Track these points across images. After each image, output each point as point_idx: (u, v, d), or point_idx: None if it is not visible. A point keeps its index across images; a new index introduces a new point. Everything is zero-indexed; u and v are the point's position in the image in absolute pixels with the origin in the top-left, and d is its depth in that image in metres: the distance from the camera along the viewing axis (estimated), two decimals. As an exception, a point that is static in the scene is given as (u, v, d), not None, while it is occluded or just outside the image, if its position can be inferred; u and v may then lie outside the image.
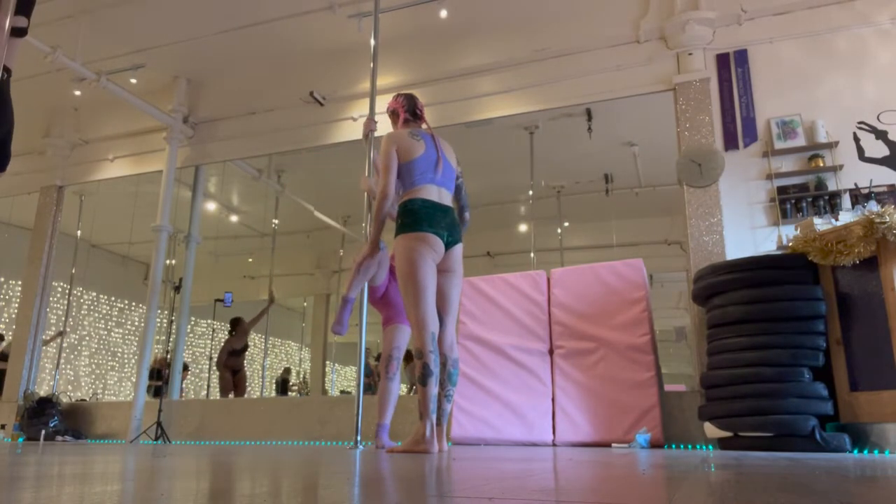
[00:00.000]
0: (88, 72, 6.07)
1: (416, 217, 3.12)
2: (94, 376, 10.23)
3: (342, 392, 11.54)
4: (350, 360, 12.07)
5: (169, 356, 6.66)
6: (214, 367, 8.26)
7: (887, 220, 3.20)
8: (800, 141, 4.76)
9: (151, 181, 7.18)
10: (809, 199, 4.63)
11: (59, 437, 6.15)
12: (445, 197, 3.29)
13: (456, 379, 3.24)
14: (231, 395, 7.93)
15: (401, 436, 4.76)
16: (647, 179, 7.81)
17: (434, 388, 3.02)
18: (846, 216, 3.98)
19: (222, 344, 8.25)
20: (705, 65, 5.17)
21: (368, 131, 4.11)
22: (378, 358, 8.01)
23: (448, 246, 3.20)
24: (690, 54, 5.20)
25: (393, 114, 3.57)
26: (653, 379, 4.29)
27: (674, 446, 4.30)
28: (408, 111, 3.51)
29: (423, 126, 3.52)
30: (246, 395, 8.23)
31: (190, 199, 7.32)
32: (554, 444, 4.34)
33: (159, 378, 7.35)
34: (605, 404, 4.34)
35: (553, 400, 4.50)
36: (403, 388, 5.53)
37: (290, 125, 6.60)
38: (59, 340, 8.07)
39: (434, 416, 3.01)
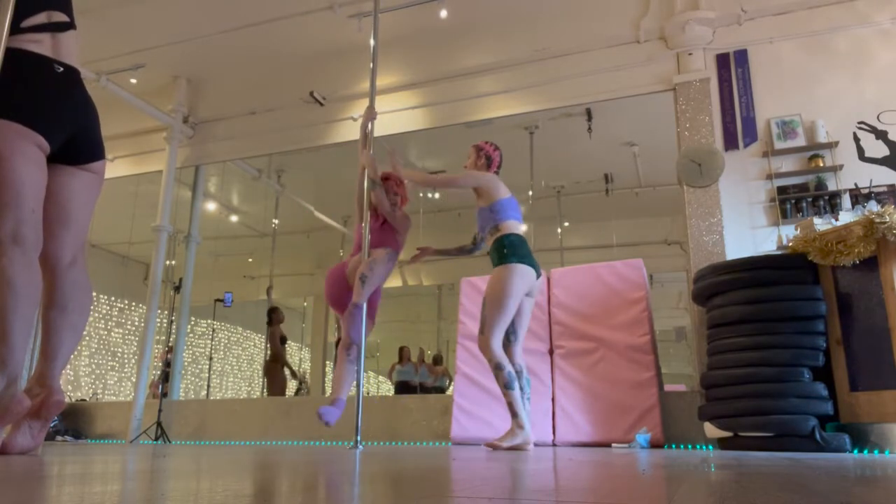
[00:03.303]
0: (88, 72, 6.07)
1: (521, 252, 3.55)
2: (94, 376, 10.23)
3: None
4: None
5: (169, 355, 6.66)
6: (261, 368, 8.30)
7: (887, 220, 3.20)
8: (800, 141, 4.76)
9: (151, 181, 7.18)
10: (809, 199, 4.63)
11: (58, 437, 6.15)
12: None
13: (529, 387, 3.67)
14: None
15: (399, 436, 4.76)
16: (647, 179, 7.81)
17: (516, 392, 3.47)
18: (846, 216, 3.98)
19: (267, 341, 8.32)
20: (705, 65, 5.17)
21: (369, 119, 4.13)
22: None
23: (538, 275, 3.66)
24: (690, 54, 5.21)
25: (488, 159, 3.84)
26: (653, 379, 4.29)
27: (674, 446, 4.30)
28: (499, 165, 3.87)
29: None
30: (246, 396, 8.23)
31: (190, 199, 7.32)
32: (554, 444, 4.34)
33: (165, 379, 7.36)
34: (605, 404, 4.34)
35: (553, 400, 4.50)
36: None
37: (290, 125, 6.60)
38: None
39: (524, 414, 3.43)
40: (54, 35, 2.16)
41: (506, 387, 3.42)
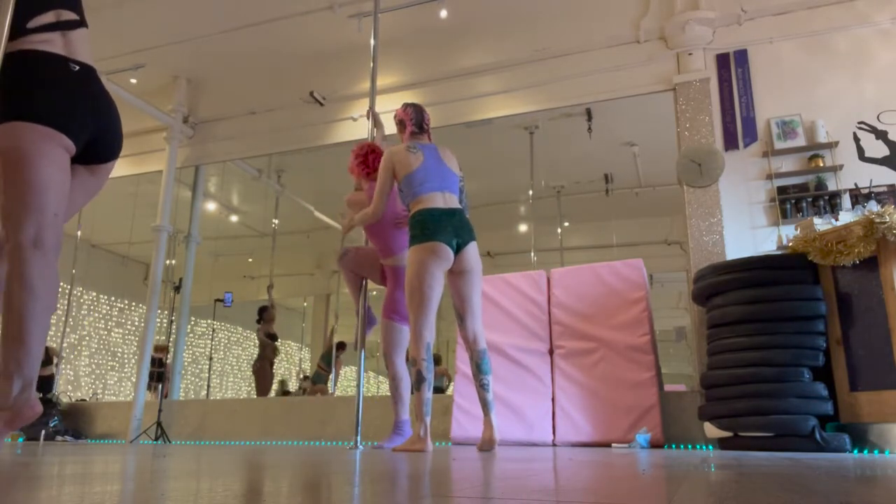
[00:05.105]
0: (88, 72, 6.06)
1: (424, 228, 3.23)
2: (94, 376, 10.23)
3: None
4: (350, 360, 12.07)
5: (169, 357, 6.66)
6: (250, 366, 8.31)
7: (887, 220, 3.20)
8: (800, 141, 4.77)
9: (151, 181, 7.18)
10: (809, 199, 4.63)
11: (58, 437, 6.15)
12: (451, 200, 3.37)
13: (487, 367, 3.34)
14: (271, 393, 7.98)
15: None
16: (647, 179, 7.81)
17: (428, 393, 3.20)
18: (846, 216, 3.98)
19: (257, 334, 8.33)
20: (705, 65, 5.17)
21: (371, 115, 4.20)
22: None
23: (459, 248, 3.28)
24: (690, 54, 5.21)
25: (400, 123, 3.63)
26: (653, 379, 4.29)
27: (674, 446, 4.30)
28: (415, 124, 3.57)
29: (425, 139, 3.59)
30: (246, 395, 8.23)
31: (190, 199, 7.33)
32: (554, 445, 4.34)
33: (161, 365, 7.35)
34: (605, 404, 4.34)
35: (553, 400, 4.50)
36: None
37: (290, 125, 6.61)
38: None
39: (428, 419, 3.18)
40: (65, 34, 2.12)
41: (414, 387, 3.22)
